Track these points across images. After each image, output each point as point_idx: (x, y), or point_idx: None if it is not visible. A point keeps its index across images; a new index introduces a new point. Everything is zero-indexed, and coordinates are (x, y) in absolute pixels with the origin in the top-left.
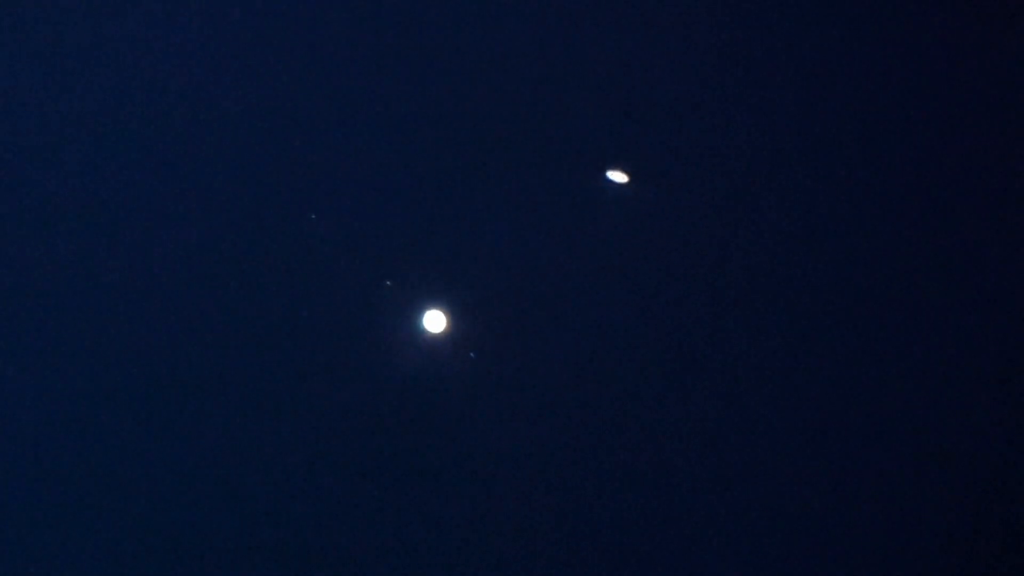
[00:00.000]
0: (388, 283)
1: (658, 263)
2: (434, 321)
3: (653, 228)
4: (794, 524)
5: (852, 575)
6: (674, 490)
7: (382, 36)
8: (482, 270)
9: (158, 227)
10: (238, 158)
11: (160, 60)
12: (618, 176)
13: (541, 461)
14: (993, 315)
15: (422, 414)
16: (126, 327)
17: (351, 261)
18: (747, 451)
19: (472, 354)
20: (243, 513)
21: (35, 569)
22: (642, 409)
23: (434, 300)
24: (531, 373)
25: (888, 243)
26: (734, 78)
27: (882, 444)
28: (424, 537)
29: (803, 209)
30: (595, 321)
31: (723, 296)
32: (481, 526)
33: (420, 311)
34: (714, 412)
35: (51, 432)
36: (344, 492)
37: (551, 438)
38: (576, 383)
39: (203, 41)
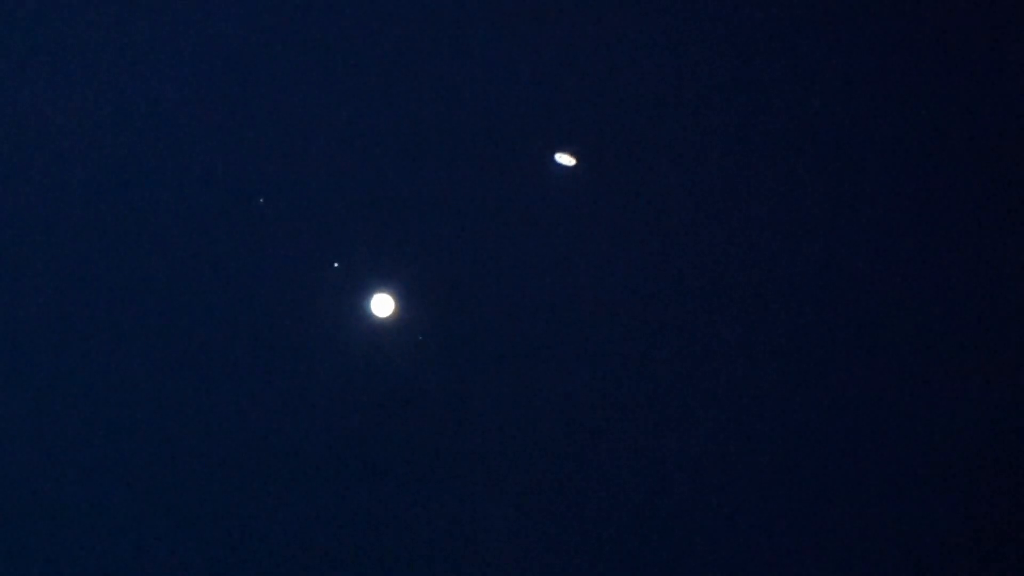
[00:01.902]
0: (336, 265)
1: (606, 244)
2: (381, 305)
3: (601, 209)
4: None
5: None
6: (621, 466)
7: (329, 26)
8: (429, 253)
9: (111, 215)
10: (183, 142)
11: (113, 60)
12: (565, 159)
13: (491, 443)
14: (992, 314)
15: (370, 397)
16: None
17: (298, 244)
18: (718, 437)
19: (420, 337)
20: (190, 500)
21: (35, 569)
22: (594, 388)
23: (382, 284)
24: (479, 355)
25: (860, 225)
26: (685, 60)
27: (851, 432)
28: (366, 514)
29: (753, 186)
30: (543, 302)
31: (675, 277)
32: (426, 506)
33: (368, 295)
34: (671, 391)
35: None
36: (285, 475)
37: (502, 421)
38: (524, 364)
39: (169, 42)
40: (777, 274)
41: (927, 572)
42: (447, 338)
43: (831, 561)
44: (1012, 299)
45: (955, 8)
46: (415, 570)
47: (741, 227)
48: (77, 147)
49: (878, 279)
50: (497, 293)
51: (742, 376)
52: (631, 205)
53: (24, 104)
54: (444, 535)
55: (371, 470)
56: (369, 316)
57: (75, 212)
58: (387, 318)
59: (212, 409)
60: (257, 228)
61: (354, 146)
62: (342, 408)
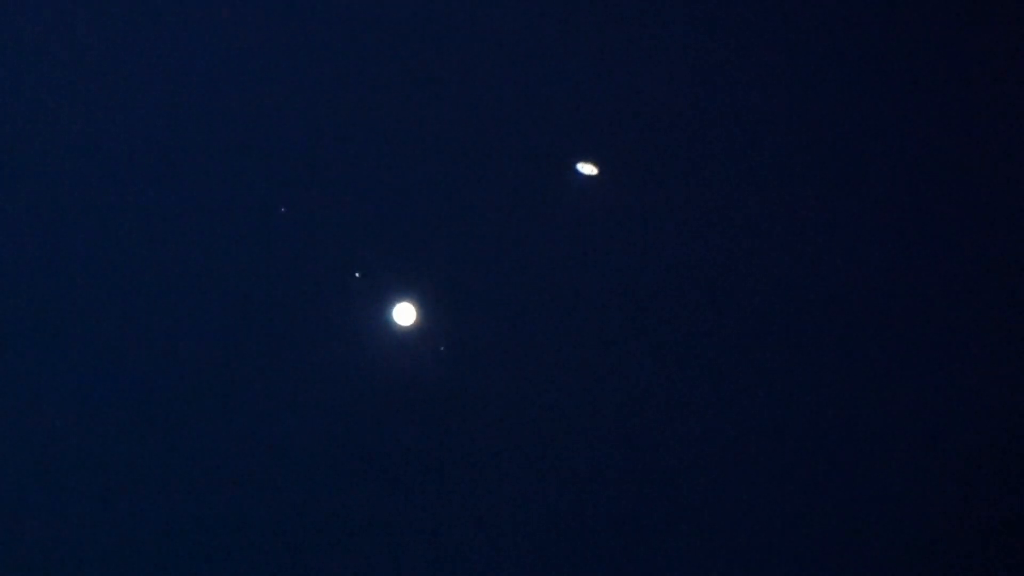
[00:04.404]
0: (357, 275)
1: (628, 253)
2: (404, 314)
3: (623, 219)
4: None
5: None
6: (644, 478)
7: (354, 35)
8: (451, 263)
9: (135, 224)
10: (206, 152)
11: (140, 59)
12: (588, 168)
13: (511, 452)
14: (990, 315)
15: (391, 406)
16: (101, 318)
17: (321, 253)
18: (728, 444)
19: (441, 347)
20: (214, 503)
21: (35, 569)
22: (613, 399)
23: (404, 293)
24: (501, 365)
25: (867, 232)
26: (705, 70)
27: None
28: (388, 520)
29: (771, 195)
30: (564, 311)
31: (696, 285)
32: (446, 512)
33: (390, 304)
34: (688, 401)
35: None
36: (310, 481)
37: (522, 429)
38: (545, 374)
39: (183, 41)
40: (799, 283)
41: (926, 572)
42: (468, 347)
43: (830, 561)
44: (1012, 299)
45: (956, 8)
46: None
47: (762, 237)
48: (96, 159)
49: (901, 288)
50: (518, 302)
51: (764, 385)
52: (654, 215)
53: (52, 113)
54: (463, 541)
55: (392, 478)
56: (391, 325)
57: (96, 223)
58: (409, 327)
59: (235, 417)
60: (278, 237)
61: (374, 156)
62: (364, 416)
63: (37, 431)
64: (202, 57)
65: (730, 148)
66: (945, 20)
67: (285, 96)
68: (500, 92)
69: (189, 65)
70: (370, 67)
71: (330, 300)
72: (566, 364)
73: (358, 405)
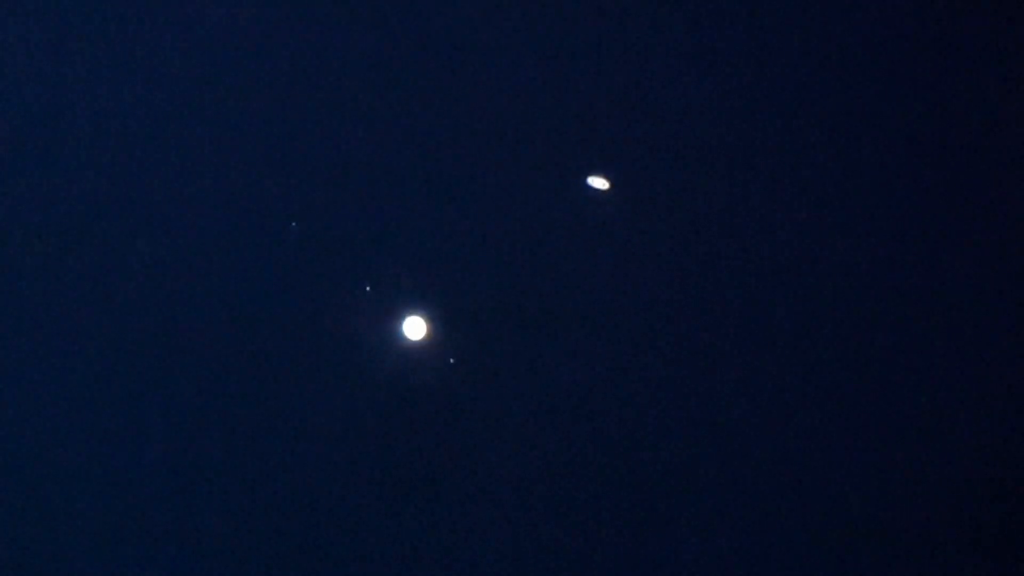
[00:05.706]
0: (368, 288)
1: (639, 268)
2: (414, 327)
3: (634, 234)
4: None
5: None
6: (660, 493)
7: (364, 41)
8: (462, 276)
9: (143, 231)
10: (218, 163)
11: (147, 60)
12: (599, 182)
13: (523, 465)
14: (992, 315)
15: (402, 419)
16: (106, 325)
17: (332, 267)
18: (740, 452)
19: (452, 360)
20: (223, 514)
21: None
22: (624, 411)
23: (414, 306)
24: (512, 378)
25: (874, 241)
26: (717, 80)
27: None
28: (401, 534)
29: (787, 210)
30: (576, 325)
31: (706, 299)
32: (460, 529)
33: (400, 317)
34: (701, 414)
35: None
36: (321, 495)
37: (533, 443)
38: (558, 387)
39: (189, 42)
40: (816, 302)
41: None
42: (479, 361)
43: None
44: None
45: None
46: None
47: (780, 254)
48: (104, 168)
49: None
50: (529, 317)
51: (780, 404)
52: (668, 229)
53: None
54: (473, 556)
55: (401, 492)
56: (401, 339)
57: (102, 234)
58: (419, 341)
59: (242, 432)
60: (289, 251)
61: (385, 170)
62: (374, 430)
63: (38, 435)
64: (208, 67)
65: (748, 163)
66: (945, 20)
67: (298, 111)
68: (513, 106)
69: (195, 75)
70: (384, 80)
71: (340, 313)
72: (578, 377)
73: (369, 419)
